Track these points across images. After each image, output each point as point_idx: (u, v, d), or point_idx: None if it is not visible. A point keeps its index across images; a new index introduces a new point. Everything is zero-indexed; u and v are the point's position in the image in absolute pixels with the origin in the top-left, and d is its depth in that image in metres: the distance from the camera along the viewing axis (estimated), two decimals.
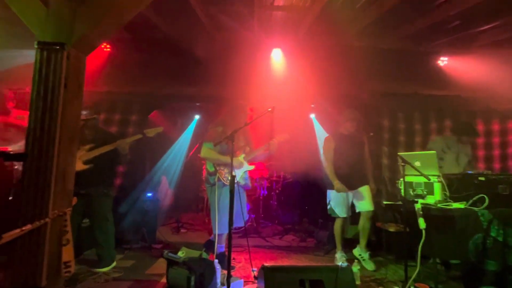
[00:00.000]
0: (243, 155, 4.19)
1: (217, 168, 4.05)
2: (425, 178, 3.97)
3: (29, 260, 2.60)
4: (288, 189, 7.42)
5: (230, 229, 3.25)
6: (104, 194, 4.49)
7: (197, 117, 7.80)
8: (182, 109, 7.58)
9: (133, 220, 5.42)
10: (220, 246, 4.16)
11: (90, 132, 4.43)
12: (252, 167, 4.22)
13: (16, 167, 4.27)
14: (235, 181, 3.35)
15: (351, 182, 4.65)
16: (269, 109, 3.52)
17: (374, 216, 4.85)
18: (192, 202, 8.19)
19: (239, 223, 4.09)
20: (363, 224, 4.72)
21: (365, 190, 4.70)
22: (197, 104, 6.98)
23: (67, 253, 2.69)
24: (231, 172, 3.31)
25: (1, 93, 5.79)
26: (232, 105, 4.23)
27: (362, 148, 4.86)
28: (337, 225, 4.78)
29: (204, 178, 4.86)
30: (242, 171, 4.18)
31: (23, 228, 2.49)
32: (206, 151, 4.09)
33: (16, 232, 2.44)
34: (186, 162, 7.36)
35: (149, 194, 5.69)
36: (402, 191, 4.15)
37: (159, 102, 6.44)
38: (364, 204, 4.65)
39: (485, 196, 3.82)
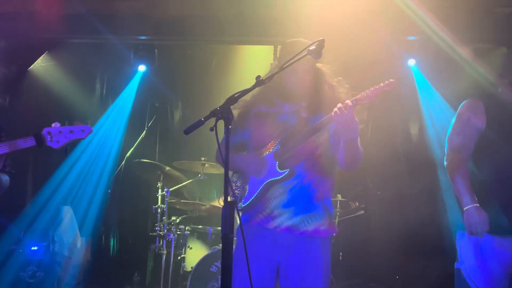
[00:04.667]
0: (274, 147, 2.52)
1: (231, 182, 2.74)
2: None
3: None
4: (356, 231, 5.29)
5: None
6: None
7: (142, 69, 5.54)
8: (106, 51, 5.42)
9: None
10: None
11: None
12: (284, 175, 2.41)
13: None
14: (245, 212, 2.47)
15: None
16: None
17: None
18: (132, 265, 5.59)
19: None
20: None
21: None
22: (141, 38, 5.06)
23: None
24: (225, 180, 1.85)
25: None
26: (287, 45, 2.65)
27: None
28: None
29: None
30: (264, 183, 2.47)
31: None
32: (217, 152, 2.60)
33: None
34: (118, 176, 5.17)
35: (35, 248, 4.50)
36: None
37: (50, 35, 4.86)
38: None
39: None
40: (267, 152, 2.51)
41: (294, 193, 2.42)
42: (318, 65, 2.44)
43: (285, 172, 2.41)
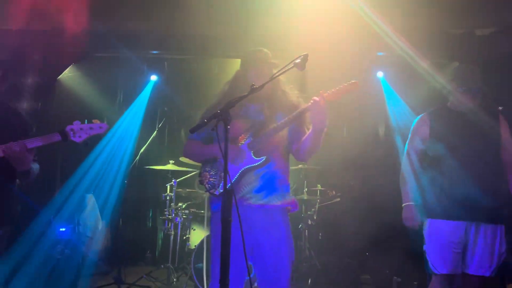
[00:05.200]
0: (246, 139, 2.53)
1: (202, 171, 2.61)
2: None
3: None
4: (333, 215, 5.34)
5: None
6: None
7: (153, 78, 5.86)
8: (123, 64, 5.66)
9: (32, 279, 4.22)
10: None
11: None
12: (261, 161, 2.46)
13: None
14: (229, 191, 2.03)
15: (464, 206, 2.90)
16: (299, 57, 2.26)
17: None
18: (145, 244, 6.17)
19: (239, 275, 2.45)
20: None
21: (489, 233, 2.90)
22: (153, 53, 5.32)
23: None
24: (224, 172, 1.94)
25: None
26: (247, 54, 2.71)
27: (494, 139, 3.02)
28: None
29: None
30: (241, 169, 2.47)
31: None
32: (187, 146, 2.75)
33: None
34: (134, 169, 5.30)
35: (63, 229, 4.69)
36: None
37: (76, 50, 4.99)
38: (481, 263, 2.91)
39: None
40: (239, 144, 2.54)
41: (266, 179, 2.49)
42: (275, 71, 2.40)
43: (261, 159, 2.46)
